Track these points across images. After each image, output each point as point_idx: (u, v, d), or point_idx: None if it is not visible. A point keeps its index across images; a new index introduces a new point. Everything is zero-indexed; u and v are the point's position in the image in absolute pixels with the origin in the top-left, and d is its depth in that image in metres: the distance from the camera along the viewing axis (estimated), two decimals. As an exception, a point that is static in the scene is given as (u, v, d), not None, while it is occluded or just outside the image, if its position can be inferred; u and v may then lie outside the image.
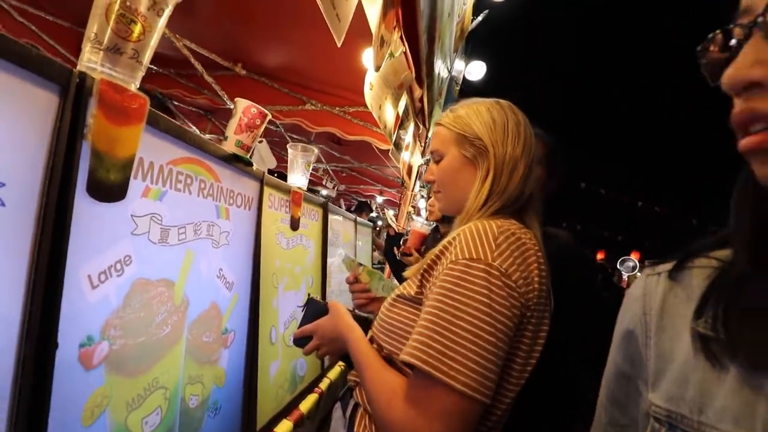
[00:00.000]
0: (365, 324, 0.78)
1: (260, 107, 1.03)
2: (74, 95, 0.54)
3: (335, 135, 3.00)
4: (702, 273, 0.38)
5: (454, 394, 0.53)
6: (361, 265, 1.04)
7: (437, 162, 0.78)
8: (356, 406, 0.71)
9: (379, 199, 6.28)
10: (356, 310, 0.82)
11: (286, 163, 1.52)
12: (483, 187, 0.70)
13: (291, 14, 2.02)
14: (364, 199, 6.07)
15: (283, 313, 1.30)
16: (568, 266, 0.93)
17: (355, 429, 0.68)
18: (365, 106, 2.73)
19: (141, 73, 0.66)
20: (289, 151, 1.50)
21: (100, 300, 0.60)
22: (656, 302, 0.40)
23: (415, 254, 1.80)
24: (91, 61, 0.60)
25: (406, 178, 2.96)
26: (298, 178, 1.49)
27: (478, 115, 0.75)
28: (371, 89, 1.57)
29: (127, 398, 0.66)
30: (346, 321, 0.77)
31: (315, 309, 0.85)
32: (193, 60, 2.47)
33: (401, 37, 1.56)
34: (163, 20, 0.67)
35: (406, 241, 2.22)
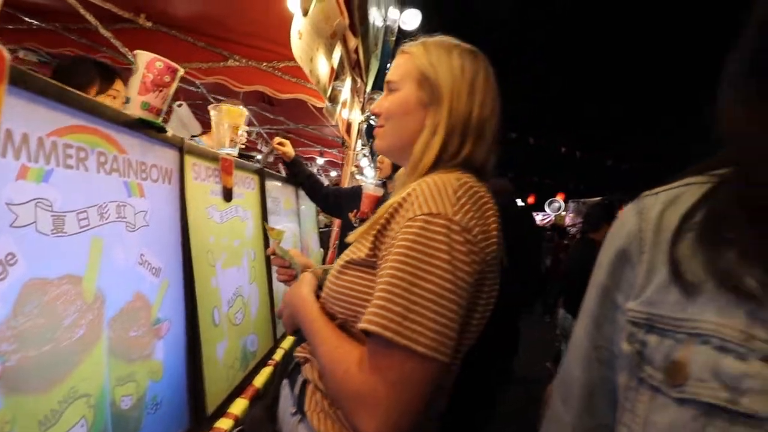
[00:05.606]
0: None
1: (168, 61, 0.87)
2: None
3: (265, 94, 2.76)
4: (699, 189, 0.38)
5: (416, 357, 0.50)
6: (279, 241, 0.91)
7: (391, 92, 0.69)
8: (305, 382, 0.67)
9: (320, 161, 6.08)
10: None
11: (212, 127, 1.36)
12: (431, 144, 0.63)
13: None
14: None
15: (225, 291, 1.20)
16: (515, 221, 0.95)
17: (306, 406, 0.64)
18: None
19: (-15, 16, 0.50)
20: (212, 113, 1.33)
21: (-24, 312, 0.49)
22: (653, 219, 0.40)
23: None
24: None
25: (345, 136, 2.84)
26: (226, 144, 1.34)
27: (449, 57, 0.66)
28: (300, 38, 1.41)
29: (38, 417, 0.56)
30: (299, 291, 0.70)
31: None
32: (83, 11, 2.06)
33: (329, -22, 1.40)
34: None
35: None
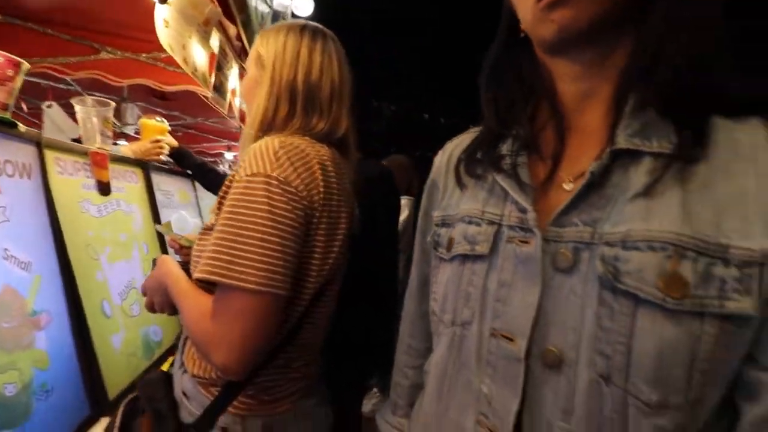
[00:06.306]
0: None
1: (8, 54, 0.86)
2: None
3: (152, 88, 2.61)
4: (473, 135, 0.57)
5: (247, 294, 0.57)
6: (176, 233, 1.02)
7: None
8: (186, 338, 0.76)
9: (229, 155, 5.84)
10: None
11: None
12: (257, 111, 0.72)
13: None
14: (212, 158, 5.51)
15: (114, 284, 1.21)
16: (378, 186, 1.12)
17: (184, 356, 0.73)
18: (178, 49, 2.42)
19: None
20: (77, 108, 1.29)
21: None
22: (447, 155, 0.59)
23: None
24: None
25: (241, 125, 2.82)
26: (96, 139, 1.32)
27: (276, 35, 0.73)
28: (167, 26, 1.41)
29: None
30: (165, 267, 0.76)
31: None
32: None
33: (189, -34, 1.41)
34: None
35: None
